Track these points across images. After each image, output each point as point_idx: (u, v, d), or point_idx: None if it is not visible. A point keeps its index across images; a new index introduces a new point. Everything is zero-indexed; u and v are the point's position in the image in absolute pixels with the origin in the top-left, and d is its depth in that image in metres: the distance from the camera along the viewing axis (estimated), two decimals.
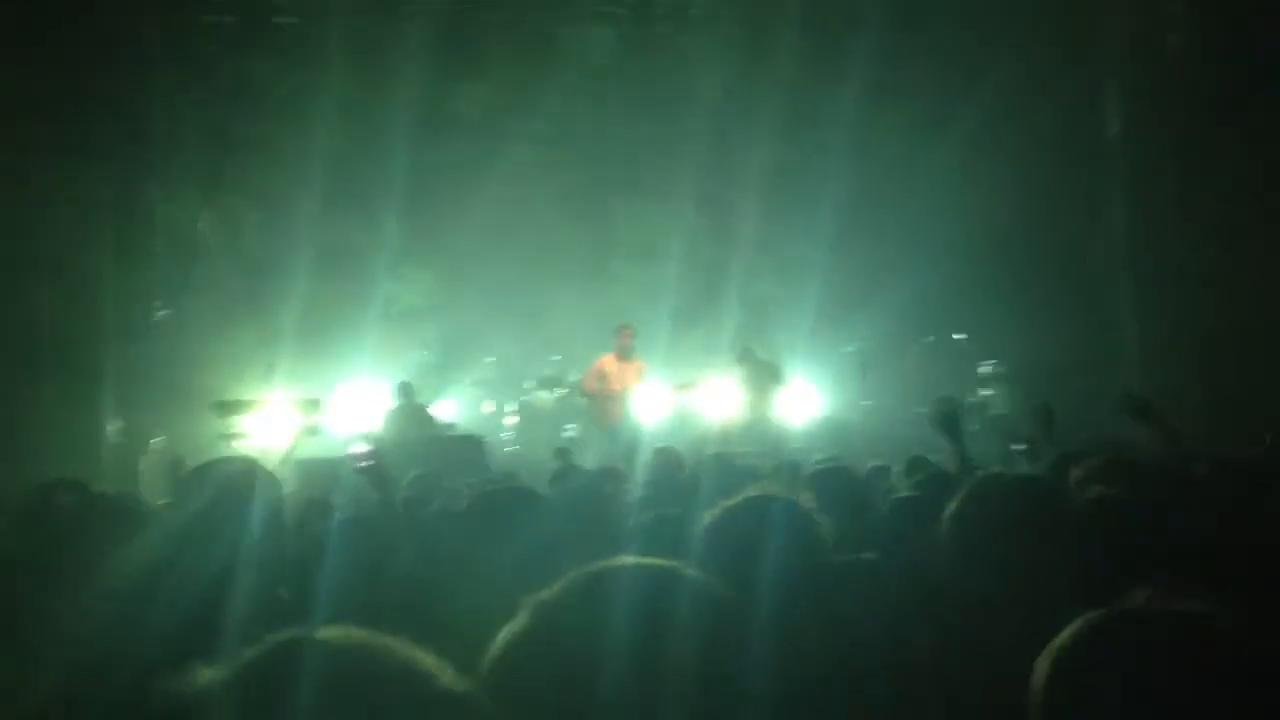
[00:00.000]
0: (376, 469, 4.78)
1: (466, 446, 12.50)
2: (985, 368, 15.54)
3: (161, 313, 12.71)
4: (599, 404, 13.86)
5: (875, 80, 14.75)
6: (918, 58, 15.15)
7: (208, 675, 1.23)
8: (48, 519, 3.37)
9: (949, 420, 5.29)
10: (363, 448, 4.71)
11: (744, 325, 15.67)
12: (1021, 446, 10.58)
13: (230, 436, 11.67)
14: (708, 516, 2.92)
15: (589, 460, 12.31)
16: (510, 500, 4.64)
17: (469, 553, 4.02)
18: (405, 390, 13.68)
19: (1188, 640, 1.55)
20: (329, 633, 1.27)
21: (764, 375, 13.79)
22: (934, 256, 15.39)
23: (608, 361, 13.99)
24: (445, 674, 1.26)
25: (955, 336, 16.34)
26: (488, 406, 17.17)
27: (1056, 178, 14.77)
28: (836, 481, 4.83)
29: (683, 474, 7.63)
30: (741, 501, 2.91)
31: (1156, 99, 13.70)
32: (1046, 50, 14.01)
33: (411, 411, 13.38)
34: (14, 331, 9.89)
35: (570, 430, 15.53)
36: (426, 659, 1.27)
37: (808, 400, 15.20)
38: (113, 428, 11.35)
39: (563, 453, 8.97)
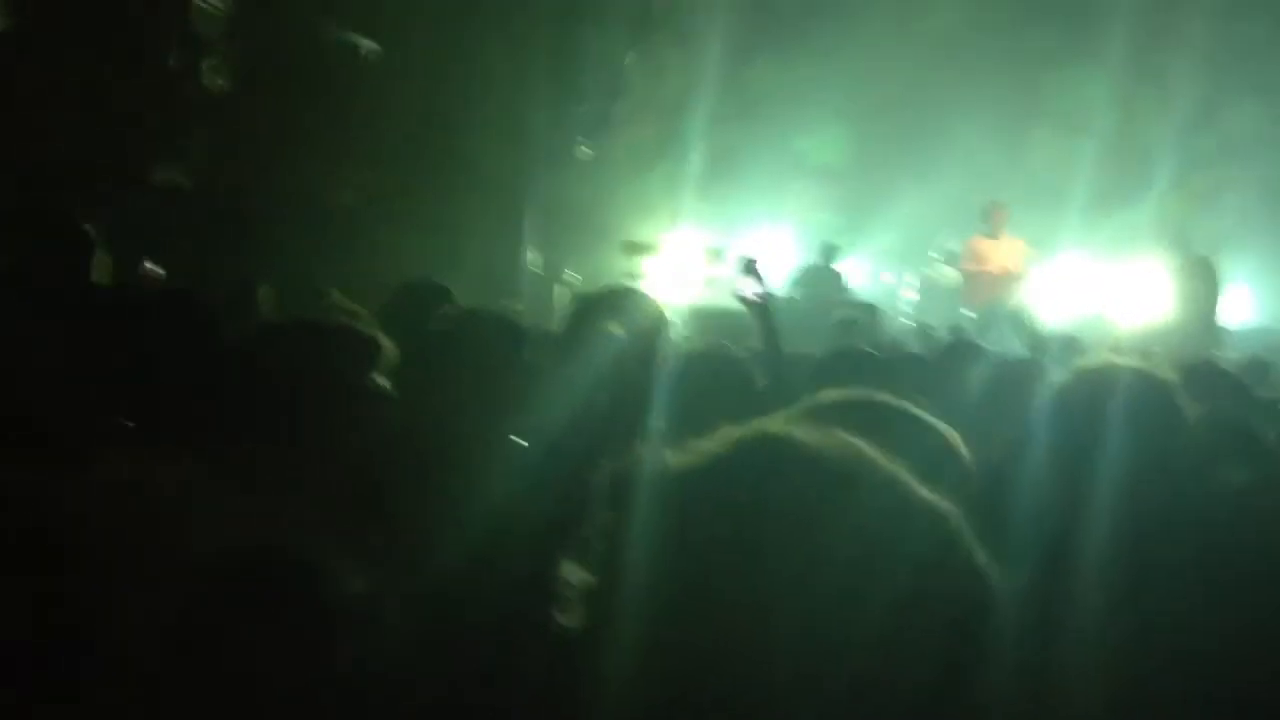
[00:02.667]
0: (760, 306, 4.67)
1: (861, 313, 12.27)
2: None
3: (583, 149, 13.14)
4: (968, 284, 13.33)
5: None
6: None
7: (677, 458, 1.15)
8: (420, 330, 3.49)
9: None
10: (755, 286, 4.55)
11: (1179, 212, 14.45)
12: None
13: (636, 277, 12.01)
14: (1057, 378, 2.81)
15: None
16: (855, 364, 4.50)
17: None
18: (827, 251, 13.61)
19: None
20: (810, 434, 1.16)
21: (1200, 271, 12.57)
22: None
23: (978, 241, 13.38)
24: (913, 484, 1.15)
25: None
26: (887, 276, 16.82)
27: None
28: (1212, 376, 4.41)
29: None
30: (1093, 368, 2.75)
31: None
32: None
33: (826, 273, 13.30)
34: (451, 157, 10.50)
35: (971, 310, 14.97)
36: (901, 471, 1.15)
37: (1239, 303, 13.84)
38: (531, 257, 11.93)
39: (957, 330, 8.56)
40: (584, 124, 12.89)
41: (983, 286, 13.10)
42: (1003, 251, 13.19)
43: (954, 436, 2.00)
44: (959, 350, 7.08)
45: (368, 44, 9.74)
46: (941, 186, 16.14)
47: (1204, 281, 12.39)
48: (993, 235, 13.29)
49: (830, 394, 1.83)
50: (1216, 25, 14.64)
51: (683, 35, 15.31)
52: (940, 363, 6.56)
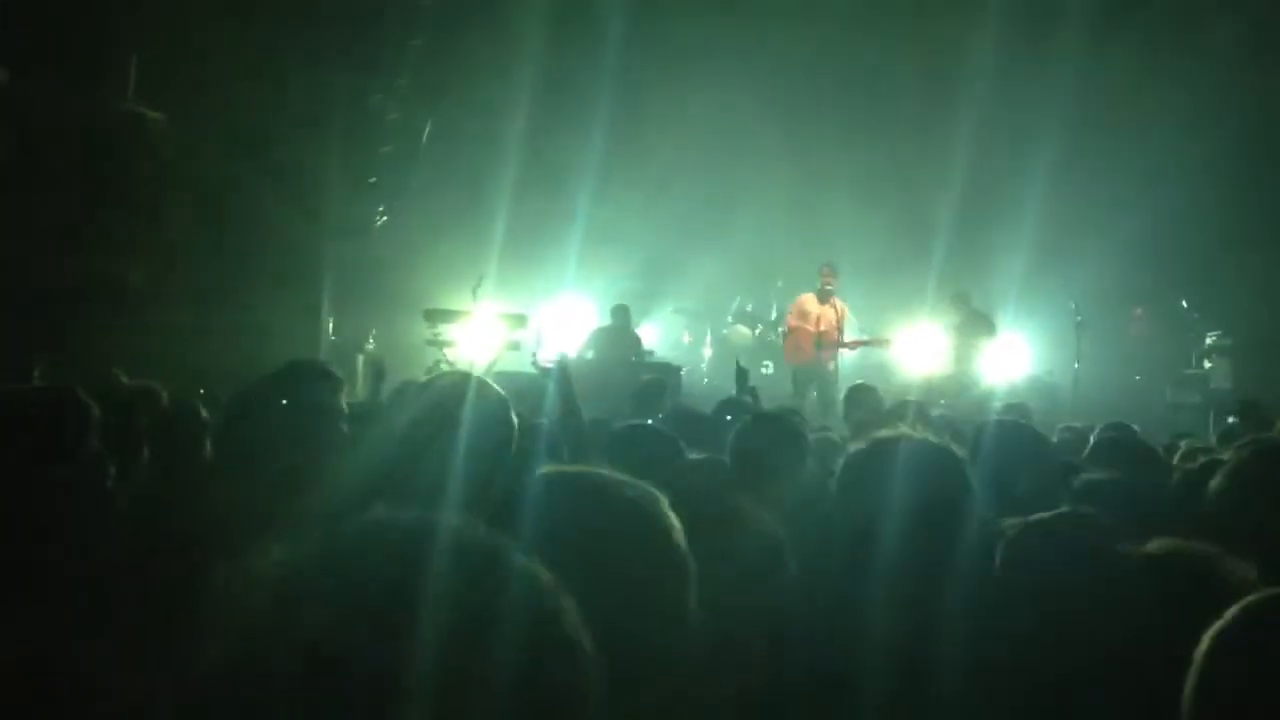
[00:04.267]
0: (557, 373, 4.80)
1: (661, 375, 12.52)
2: (1210, 338, 14.72)
3: (383, 216, 13.08)
4: (792, 341, 13.62)
5: (1102, 16, 14.00)
6: None
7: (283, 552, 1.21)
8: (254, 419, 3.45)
9: None
10: (551, 358, 4.70)
11: (957, 271, 15.24)
12: (1235, 419, 10.09)
13: (438, 344, 11.99)
14: (850, 449, 2.97)
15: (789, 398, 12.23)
16: (644, 439, 4.64)
17: None
18: (620, 313, 13.73)
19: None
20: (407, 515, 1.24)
21: (975, 324, 13.37)
22: (1165, 215, 14.65)
23: (808, 300, 13.70)
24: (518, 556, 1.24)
25: (1182, 304, 15.50)
26: (687, 337, 17.19)
27: None
28: (1008, 436, 4.65)
29: (879, 411, 7.48)
30: (883, 438, 2.93)
31: None
32: None
33: (622, 334, 13.45)
34: (246, 224, 10.34)
35: (767, 368, 15.42)
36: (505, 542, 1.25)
37: (1019, 356, 14.68)
38: (330, 325, 11.79)
39: (743, 373, 8.60)
40: (382, 193, 12.85)
41: (800, 343, 13.45)
42: (826, 311, 13.52)
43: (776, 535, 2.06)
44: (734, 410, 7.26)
45: (154, 115, 9.54)
46: (739, 249, 16.66)
47: (974, 335, 13.16)
48: (822, 295, 13.59)
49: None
50: (991, 96, 15.47)
51: (484, 106, 15.45)
52: (722, 422, 6.74)
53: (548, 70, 14.77)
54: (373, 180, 12.48)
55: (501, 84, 15.13)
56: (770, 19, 16.33)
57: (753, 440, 4.44)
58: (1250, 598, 1.59)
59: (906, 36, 15.93)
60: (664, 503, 1.82)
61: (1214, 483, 3.16)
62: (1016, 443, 4.50)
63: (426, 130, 13.42)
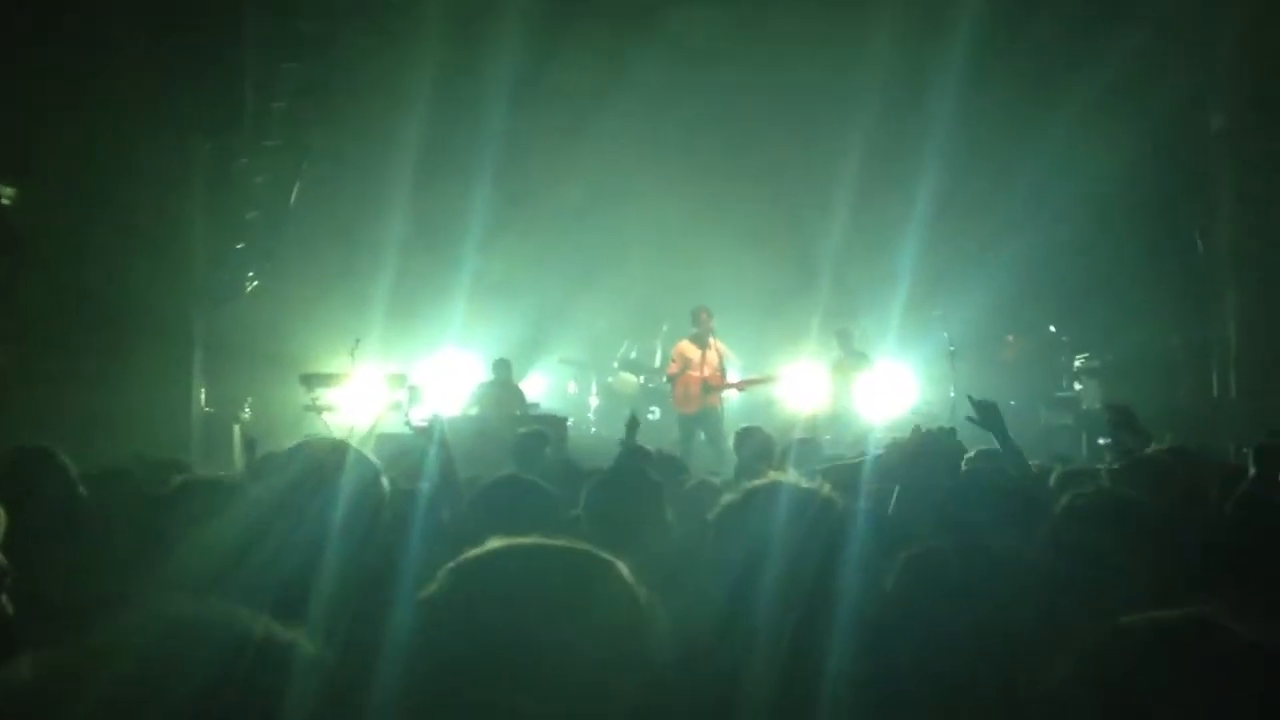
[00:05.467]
0: (431, 432, 4.72)
1: (545, 427, 12.42)
2: (1079, 361, 15.18)
3: (253, 281, 12.79)
4: (681, 389, 13.64)
5: (978, 60, 14.42)
6: (1022, 40, 14.78)
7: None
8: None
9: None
10: (425, 417, 4.63)
11: (840, 309, 15.50)
12: (1107, 440, 10.39)
13: (317, 409, 11.76)
14: (723, 500, 3.01)
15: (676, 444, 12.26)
16: (511, 492, 4.56)
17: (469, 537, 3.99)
18: (501, 367, 13.60)
19: (1201, 647, 1.57)
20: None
21: (854, 360, 13.63)
22: (1032, 246, 15.08)
23: (687, 346, 13.74)
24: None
25: (1050, 329, 15.97)
26: (573, 386, 17.10)
27: (1164, 172, 14.37)
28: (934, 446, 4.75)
29: (769, 448, 7.57)
30: (757, 487, 2.96)
31: (1267, 98, 13.22)
32: (1158, 43, 13.51)
33: (504, 388, 13.33)
34: (109, 299, 10.04)
35: (654, 414, 15.41)
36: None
37: (903, 389, 14.90)
38: (202, 395, 11.48)
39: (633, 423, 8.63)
40: (251, 258, 12.56)
41: (689, 389, 13.46)
42: (708, 355, 13.54)
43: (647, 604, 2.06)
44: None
45: (5, 190, 9.22)
46: (622, 297, 16.68)
47: (853, 372, 13.39)
48: (700, 339, 13.63)
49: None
50: (869, 134, 15.75)
51: (354, 163, 15.25)
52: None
53: (425, 123, 14.63)
54: (240, 245, 12.19)
55: (376, 138, 14.99)
56: (649, 67, 16.42)
57: (605, 499, 4.36)
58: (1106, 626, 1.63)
59: (784, 76, 16.15)
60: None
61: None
62: (941, 454, 4.57)
63: (295, 190, 13.14)
